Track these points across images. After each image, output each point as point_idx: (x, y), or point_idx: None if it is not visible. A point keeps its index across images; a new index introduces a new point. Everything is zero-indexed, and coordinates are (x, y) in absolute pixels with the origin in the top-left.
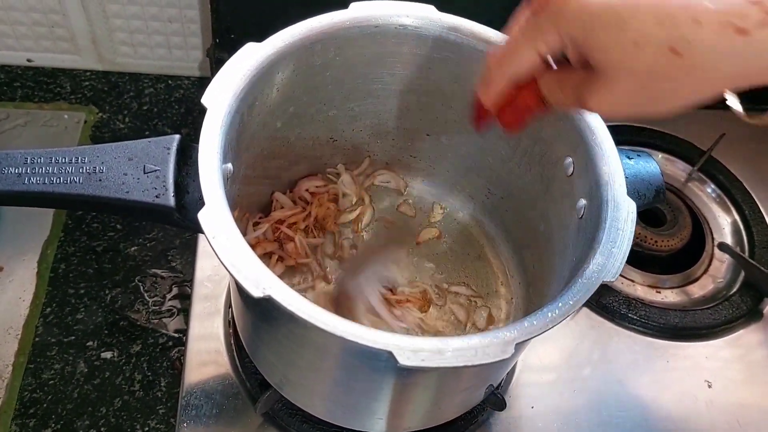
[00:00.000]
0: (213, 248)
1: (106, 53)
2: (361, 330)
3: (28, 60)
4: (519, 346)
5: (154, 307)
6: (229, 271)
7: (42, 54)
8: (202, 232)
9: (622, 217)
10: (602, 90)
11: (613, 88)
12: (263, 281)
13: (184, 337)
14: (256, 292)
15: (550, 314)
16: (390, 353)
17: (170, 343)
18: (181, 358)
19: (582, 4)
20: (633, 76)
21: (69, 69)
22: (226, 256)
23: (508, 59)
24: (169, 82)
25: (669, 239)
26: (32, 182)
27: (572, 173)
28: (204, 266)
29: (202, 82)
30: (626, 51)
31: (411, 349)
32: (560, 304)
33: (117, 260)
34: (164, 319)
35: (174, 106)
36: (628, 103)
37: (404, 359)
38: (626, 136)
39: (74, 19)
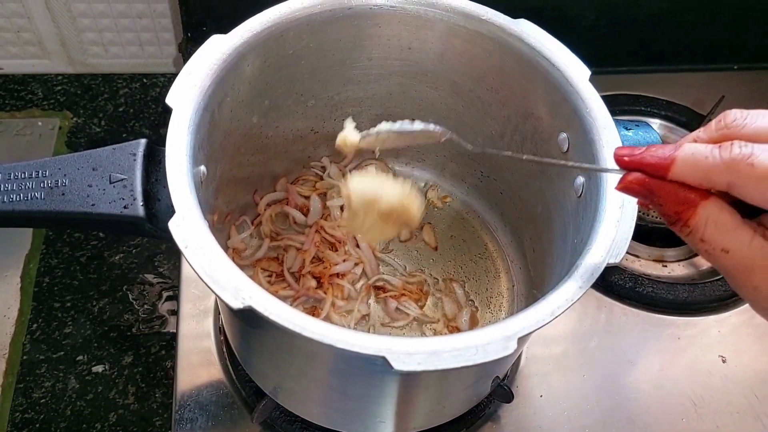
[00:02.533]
0: (186, 259)
1: (77, 55)
2: (350, 336)
3: None
4: (522, 339)
5: (143, 316)
6: (205, 283)
7: (10, 60)
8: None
9: (625, 195)
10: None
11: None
12: (243, 291)
13: (174, 348)
14: (236, 304)
15: (553, 304)
16: (383, 358)
17: (163, 352)
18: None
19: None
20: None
21: (39, 74)
22: (201, 266)
23: (684, 165)
24: (144, 80)
25: None
26: None
27: (567, 149)
28: (191, 270)
29: None
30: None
31: (405, 352)
32: (563, 292)
33: (102, 269)
34: (155, 327)
35: (151, 106)
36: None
37: (399, 364)
38: (621, 105)
39: (40, 22)
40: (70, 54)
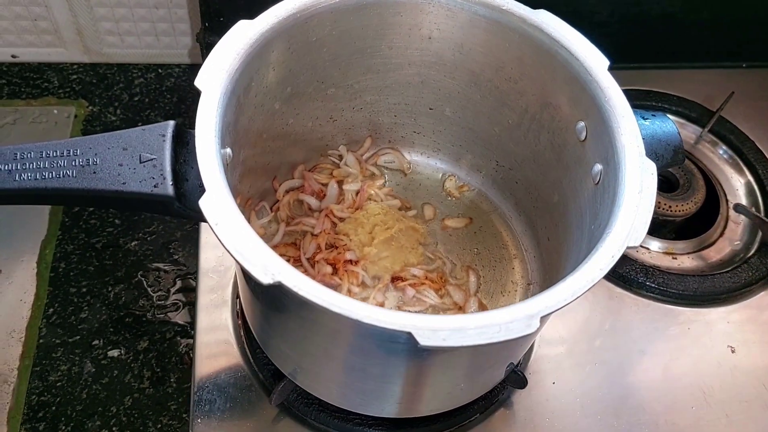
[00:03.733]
0: (217, 236)
1: (93, 44)
2: (377, 312)
3: (13, 56)
4: (543, 319)
5: (158, 302)
6: (235, 259)
7: (26, 49)
8: (205, 220)
9: (643, 179)
10: None
11: None
12: (272, 267)
13: (192, 331)
14: (265, 279)
15: (573, 284)
16: (409, 334)
17: (178, 338)
18: (190, 352)
19: None
20: None
21: (55, 63)
22: (231, 243)
23: None
24: (159, 70)
25: (683, 204)
26: (24, 179)
27: (585, 138)
28: (208, 257)
29: (193, 69)
30: None
31: (430, 328)
32: (584, 273)
33: (118, 256)
34: (170, 313)
35: (166, 95)
36: None
37: (424, 339)
38: (632, 100)
39: (57, 10)
40: (86, 43)
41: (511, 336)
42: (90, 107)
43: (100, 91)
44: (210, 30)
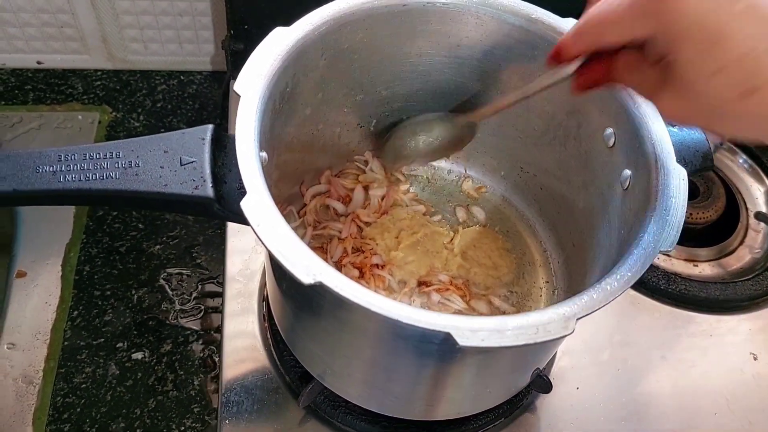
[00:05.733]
0: (258, 237)
1: (117, 51)
2: (417, 312)
3: (38, 62)
4: (579, 321)
5: (181, 306)
6: (277, 259)
7: (52, 55)
8: (245, 222)
9: (674, 184)
10: (673, 101)
11: (682, 103)
12: (313, 268)
13: (219, 335)
14: (307, 279)
15: (609, 287)
16: (448, 334)
17: (201, 341)
18: (212, 355)
19: (691, 3)
20: (702, 100)
21: (80, 69)
22: (273, 243)
23: (601, 27)
24: (182, 77)
25: (704, 211)
26: (68, 180)
27: (614, 144)
28: (235, 261)
29: (215, 77)
30: (705, 74)
31: (469, 329)
32: (619, 276)
33: (141, 260)
34: (192, 317)
35: (188, 102)
36: (694, 117)
37: (463, 340)
38: None
39: (83, 18)
40: (110, 50)
41: (549, 337)
42: (113, 113)
43: (124, 98)
44: (235, 37)
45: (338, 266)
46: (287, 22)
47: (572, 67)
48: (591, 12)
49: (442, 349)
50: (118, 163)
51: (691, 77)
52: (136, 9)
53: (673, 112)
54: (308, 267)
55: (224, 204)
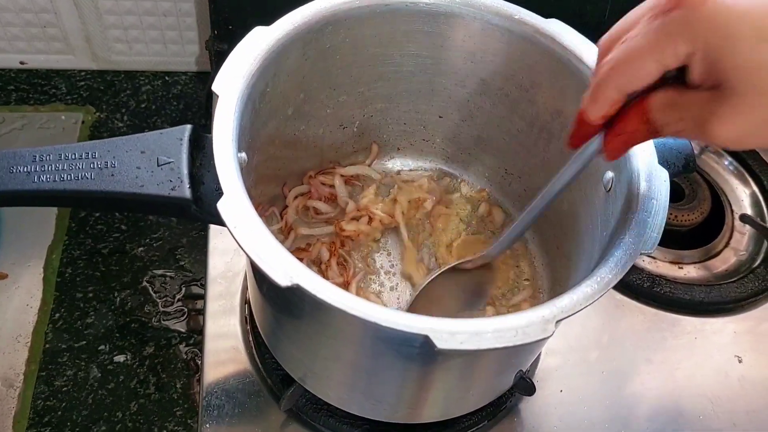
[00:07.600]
0: (235, 238)
1: (101, 51)
2: (395, 315)
3: (21, 62)
4: (558, 323)
5: (164, 308)
6: (253, 261)
7: (35, 55)
8: (222, 224)
9: (656, 186)
10: (733, 117)
11: (748, 117)
12: (290, 270)
13: (201, 337)
14: (284, 282)
15: (588, 289)
16: (426, 337)
17: (183, 344)
18: (195, 358)
19: (725, 3)
20: None
21: (63, 69)
22: (250, 245)
23: (625, 69)
24: (166, 78)
25: (689, 213)
26: (42, 180)
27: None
28: (217, 263)
29: (200, 77)
30: None
31: (448, 331)
32: (598, 278)
33: (124, 262)
34: (175, 319)
35: (173, 103)
36: (763, 134)
37: (442, 342)
38: None
39: (67, 18)
40: (94, 50)
41: (528, 340)
42: (97, 113)
43: (108, 98)
44: (219, 38)
45: (324, 267)
46: (272, 22)
47: (598, 138)
48: (608, 59)
49: (421, 352)
50: (93, 163)
51: (755, 81)
52: (119, 9)
53: (743, 138)
54: (285, 269)
55: (202, 205)
